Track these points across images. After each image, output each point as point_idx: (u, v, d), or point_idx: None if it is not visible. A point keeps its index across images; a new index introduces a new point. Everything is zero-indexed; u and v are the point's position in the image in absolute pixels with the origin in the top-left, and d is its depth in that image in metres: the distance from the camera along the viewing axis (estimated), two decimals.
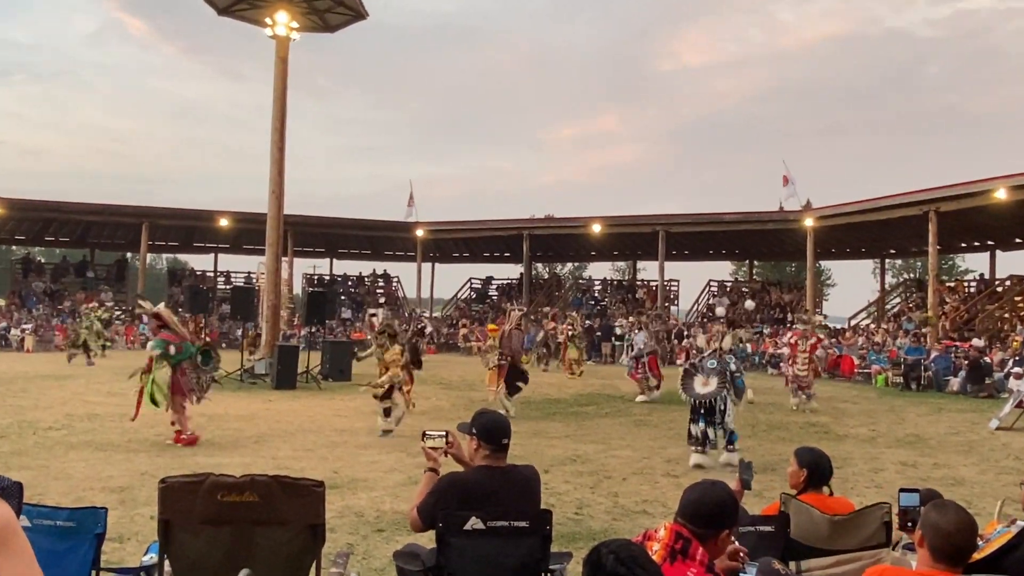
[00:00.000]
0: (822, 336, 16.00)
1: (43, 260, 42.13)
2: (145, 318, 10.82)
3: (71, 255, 40.52)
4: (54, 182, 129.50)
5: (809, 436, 11.94)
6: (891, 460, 9.96)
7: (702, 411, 9.40)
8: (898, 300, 33.45)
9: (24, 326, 30.24)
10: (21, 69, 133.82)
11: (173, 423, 10.08)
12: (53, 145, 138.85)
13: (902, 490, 3.35)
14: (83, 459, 8.76)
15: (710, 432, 9.34)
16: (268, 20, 20.05)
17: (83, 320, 23.14)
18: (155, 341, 10.17)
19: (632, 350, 17.64)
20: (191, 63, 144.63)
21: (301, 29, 20.75)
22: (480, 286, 41.50)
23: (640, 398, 16.09)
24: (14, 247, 45.31)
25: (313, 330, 24.76)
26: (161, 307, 10.98)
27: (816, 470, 4.04)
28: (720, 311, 10.00)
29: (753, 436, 11.75)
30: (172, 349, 10.01)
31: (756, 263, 43.76)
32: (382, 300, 38.91)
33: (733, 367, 9.71)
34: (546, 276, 50.23)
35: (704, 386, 9.43)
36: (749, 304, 10.23)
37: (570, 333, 22.75)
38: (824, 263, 47.13)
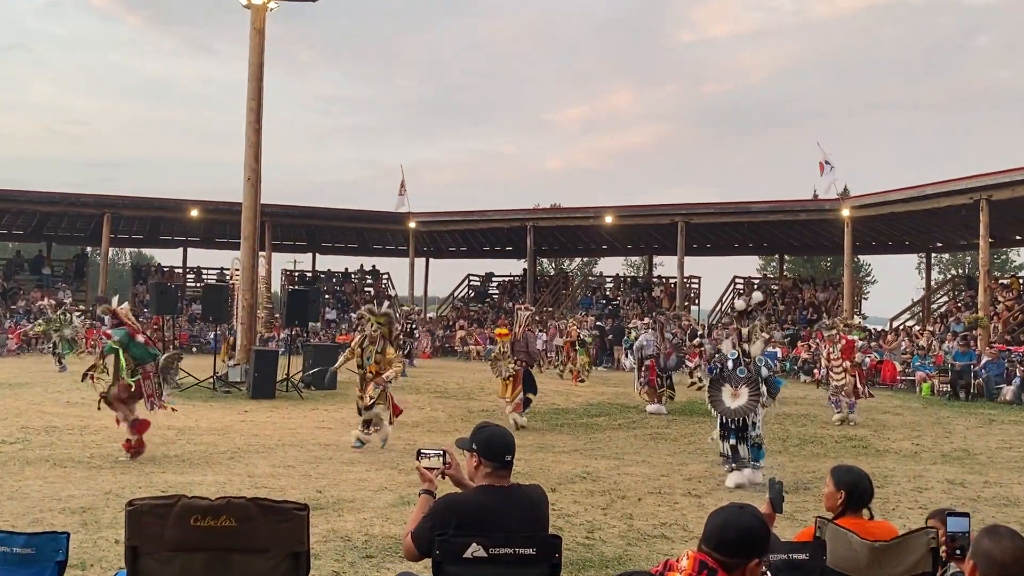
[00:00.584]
0: (855, 337, 15.88)
1: None
2: (105, 319, 10.74)
3: (25, 250, 40.58)
4: (6, 168, 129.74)
5: (846, 451, 11.96)
6: (937, 478, 9.96)
7: (733, 426, 9.38)
8: (945, 299, 33.44)
9: None
10: None
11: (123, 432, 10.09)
12: (4, 127, 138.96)
13: (949, 514, 3.35)
14: (40, 476, 8.79)
15: (741, 449, 9.33)
16: None
17: (54, 323, 23.35)
18: (118, 331, 10.11)
19: (634, 352, 17.57)
20: (157, 35, 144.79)
21: None
22: (479, 283, 41.58)
23: (649, 408, 16.08)
24: None
25: (294, 333, 24.80)
26: (116, 304, 10.96)
27: (855, 492, 4.04)
28: (739, 304, 9.97)
29: (784, 451, 11.77)
30: (140, 338, 10.09)
31: (787, 258, 43.80)
32: (385, 301, 38.94)
33: (766, 372, 9.67)
34: (552, 272, 50.33)
35: (734, 398, 9.36)
36: (757, 296, 10.21)
37: (581, 336, 22.79)
38: (863, 258, 47.27)
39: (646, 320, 19.76)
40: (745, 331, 9.68)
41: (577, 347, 22.74)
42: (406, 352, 24.54)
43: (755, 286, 37.53)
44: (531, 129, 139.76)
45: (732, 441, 9.36)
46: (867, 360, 16.82)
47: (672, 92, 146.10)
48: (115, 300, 11.13)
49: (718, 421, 9.59)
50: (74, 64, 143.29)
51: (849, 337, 15.72)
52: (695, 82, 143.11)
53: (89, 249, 41.93)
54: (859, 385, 15.30)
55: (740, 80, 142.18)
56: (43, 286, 35.79)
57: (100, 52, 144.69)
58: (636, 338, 17.85)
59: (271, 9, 20.20)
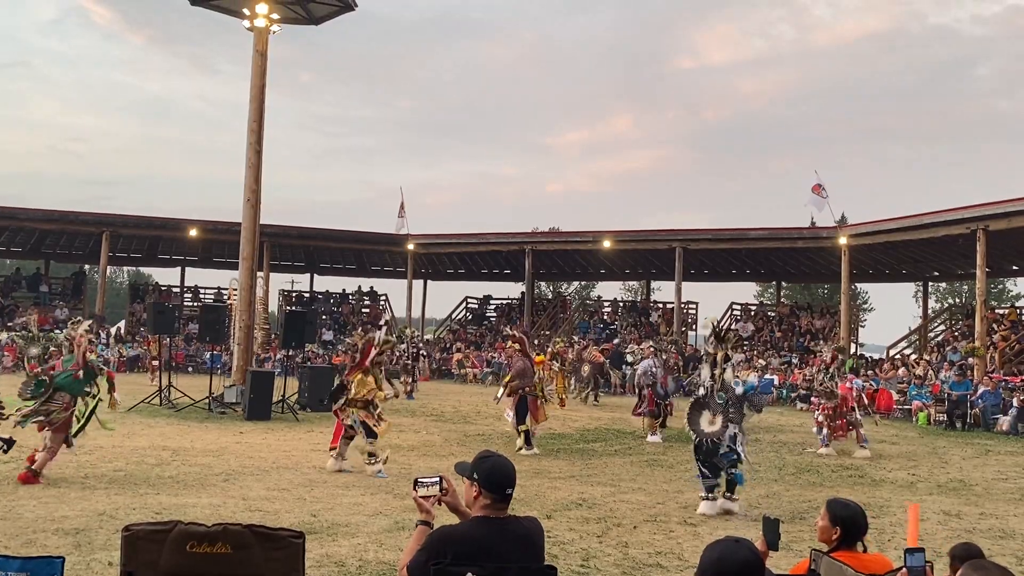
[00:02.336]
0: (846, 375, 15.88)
1: None
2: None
3: (24, 267, 40.57)
4: (6, 185, 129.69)
5: (842, 480, 11.94)
6: (933, 509, 9.94)
7: (705, 448, 9.54)
8: (942, 328, 33.47)
9: None
10: None
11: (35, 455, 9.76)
12: (5, 144, 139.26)
13: (907, 551, 3.36)
14: (34, 497, 8.76)
15: (707, 472, 9.47)
16: (246, 11, 20.19)
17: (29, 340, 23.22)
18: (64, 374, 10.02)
19: (635, 380, 17.53)
20: (160, 55, 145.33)
21: (282, 21, 20.90)
22: (477, 306, 41.59)
23: (652, 438, 16.01)
24: None
25: (290, 354, 24.78)
26: (82, 329, 10.73)
27: (852, 528, 4.03)
28: (707, 327, 9.93)
29: (780, 480, 11.75)
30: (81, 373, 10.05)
31: (784, 285, 43.87)
32: (382, 323, 38.92)
33: (740, 389, 9.77)
34: (550, 296, 50.36)
35: (710, 424, 9.54)
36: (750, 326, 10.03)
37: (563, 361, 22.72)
38: (860, 286, 47.28)
39: (643, 345, 19.72)
40: (720, 355, 9.85)
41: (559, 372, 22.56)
42: (412, 377, 24.72)
43: (752, 313, 37.63)
44: (531, 152, 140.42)
45: (701, 467, 9.53)
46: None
47: (672, 117, 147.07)
48: (82, 326, 10.77)
49: (693, 443, 9.76)
50: (76, 82, 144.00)
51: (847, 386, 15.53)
52: (695, 108, 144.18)
53: (87, 267, 41.94)
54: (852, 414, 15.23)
55: (739, 106, 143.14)
56: (41, 304, 35.78)
57: (102, 70, 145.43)
58: (634, 363, 17.83)
59: (274, 32, 20.35)
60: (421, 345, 31.17)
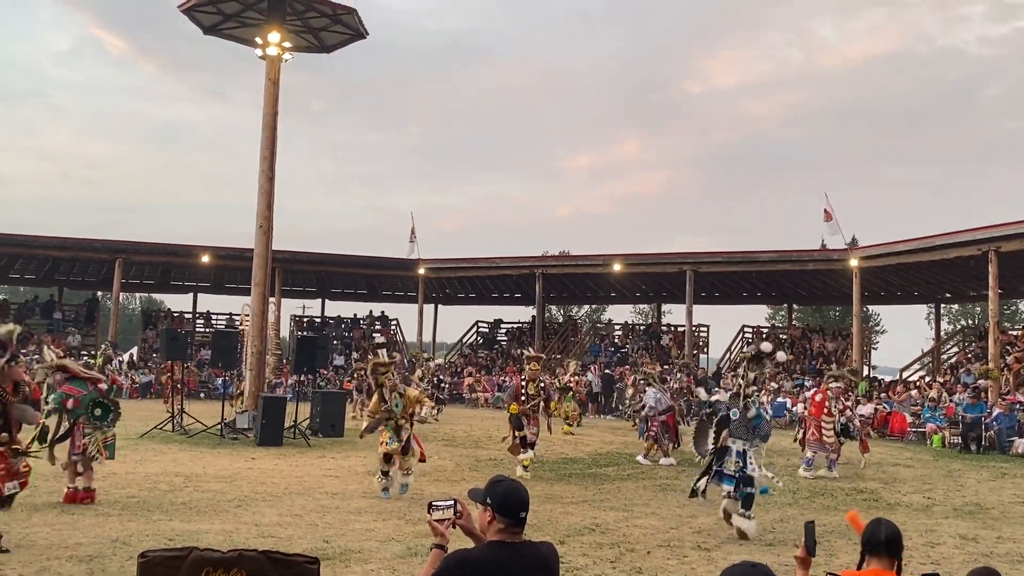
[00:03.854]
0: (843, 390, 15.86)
1: (7, 299, 42.40)
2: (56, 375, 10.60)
3: (38, 294, 40.82)
4: (21, 212, 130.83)
5: (857, 504, 11.83)
6: (949, 532, 9.86)
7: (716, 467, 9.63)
8: (955, 350, 33.30)
9: None
10: None
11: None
12: (20, 172, 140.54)
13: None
14: (47, 523, 8.77)
15: (702, 483, 9.63)
16: (258, 40, 20.40)
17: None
18: (55, 395, 10.07)
19: (643, 409, 17.37)
20: (172, 82, 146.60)
21: (294, 49, 21.10)
22: (488, 330, 41.58)
23: (662, 461, 15.97)
24: None
25: (302, 379, 24.79)
26: (66, 360, 10.99)
27: (872, 540, 3.98)
28: (766, 346, 9.89)
29: (794, 503, 11.68)
30: (70, 403, 10.00)
31: (795, 307, 43.73)
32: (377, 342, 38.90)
33: (752, 412, 9.72)
34: (560, 320, 50.33)
35: (714, 444, 9.68)
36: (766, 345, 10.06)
37: (565, 383, 22.64)
38: (872, 308, 47.10)
39: (633, 379, 19.34)
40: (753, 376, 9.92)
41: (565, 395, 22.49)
42: (436, 403, 25.22)
43: (764, 335, 37.50)
44: (540, 177, 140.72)
45: (703, 481, 9.63)
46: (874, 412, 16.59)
47: (680, 141, 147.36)
48: (49, 354, 10.98)
49: (705, 462, 9.82)
50: (89, 110, 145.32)
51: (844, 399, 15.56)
52: (703, 131, 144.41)
53: (100, 294, 42.14)
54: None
55: (748, 129, 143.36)
56: (54, 330, 35.95)
57: (115, 98, 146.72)
58: (634, 394, 17.72)
59: (286, 60, 20.54)
60: (441, 376, 31.35)
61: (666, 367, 26.89)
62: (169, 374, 23.14)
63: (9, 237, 33.63)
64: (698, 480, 9.75)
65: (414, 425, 11.80)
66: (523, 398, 13.94)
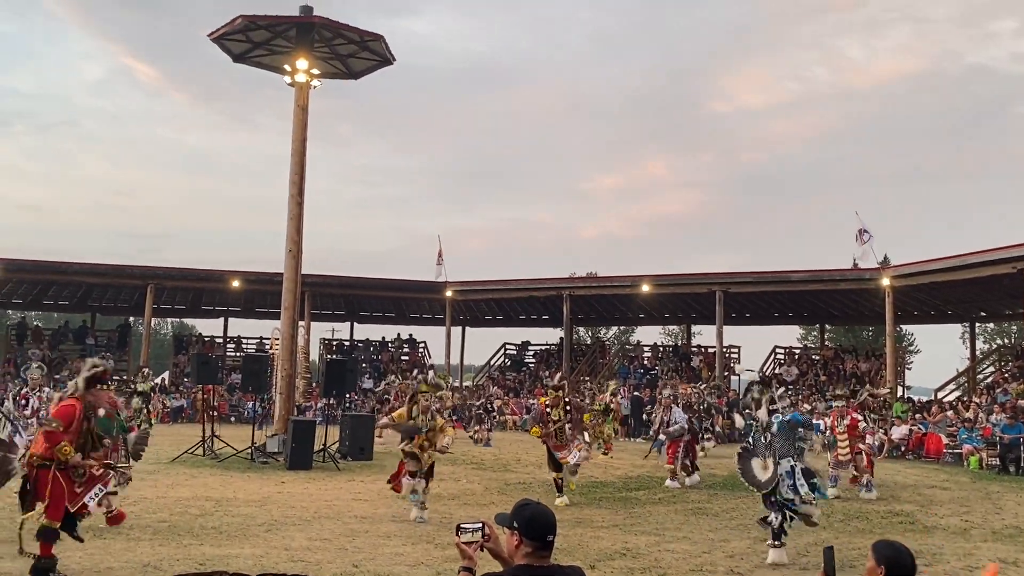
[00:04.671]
0: (859, 417, 15.74)
1: (41, 325, 42.99)
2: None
3: (71, 319, 41.39)
4: (54, 239, 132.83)
5: (892, 527, 11.66)
6: (988, 556, 9.66)
7: (772, 499, 9.32)
8: (991, 369, 32.78)
9: None
10: (21, 119, 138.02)
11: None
12: (54, 200, 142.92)
13: None
14: (79, 548, 8.81)
15: (775, 520, 9.23)
16: (287, 67, 20.67)
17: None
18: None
19: (667, 426, 17.15)
20: (202, 111, 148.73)
21: (322, 76, 21.34)
22: (515, 352, 41.54)
23: (688, 481, 15.87)
24: (10, 311, 46.36)
25: (331, 402, 24.88)
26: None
27: (895, 568, 3.95)
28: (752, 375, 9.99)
29: (828, 527, 11.50)
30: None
31: (828, 327, 43.30)
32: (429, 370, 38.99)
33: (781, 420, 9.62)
34: (589, 341, 50.17)
35: (764, 471, 9.37)
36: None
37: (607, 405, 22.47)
38: (905, 327, 46.59)
39: (666, 392, 19.05)
40: (738, 419, 9.83)
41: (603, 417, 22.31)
42: (485, 425, 26.19)
43: (796, 356, 37.15)
44: (567, 198, 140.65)
45: (773, 516, 9.25)
46: (875, 442, 16.41)
47: (708, 161, 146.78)
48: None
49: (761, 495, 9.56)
50: (121, 139, 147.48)
51: (855, 416, 15.55)
52: (730, 151, 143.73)
53: (132, 319, 42.65)
54: (860, 466, 15.08)
55: (776, 149, 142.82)
56: (86, 356, 36.27)
57: (147, 127, 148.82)
58: (655, 415, 17.57)
59: (314, 87, 20.78)
60: (491, 398, 31.64)
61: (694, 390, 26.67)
62: (206, 396, 23.32)
63: (44, 264, 34.22)
64: (767, 517, 9.53)
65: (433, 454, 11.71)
66: (549, 423, 13.82)
